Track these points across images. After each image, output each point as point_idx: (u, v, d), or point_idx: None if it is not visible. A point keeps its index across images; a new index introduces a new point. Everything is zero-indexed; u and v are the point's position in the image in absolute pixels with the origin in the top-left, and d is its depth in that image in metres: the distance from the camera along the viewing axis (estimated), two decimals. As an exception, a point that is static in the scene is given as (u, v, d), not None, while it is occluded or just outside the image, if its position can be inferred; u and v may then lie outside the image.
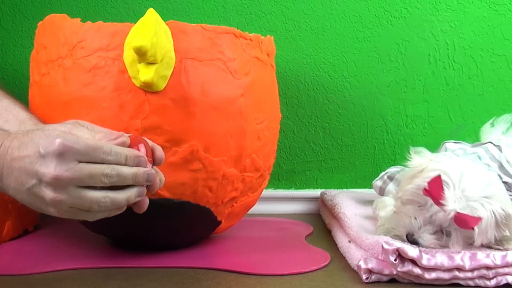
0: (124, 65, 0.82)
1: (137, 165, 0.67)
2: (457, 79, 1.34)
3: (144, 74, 0.80)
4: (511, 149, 1.00)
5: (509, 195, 0.93)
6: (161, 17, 0.83)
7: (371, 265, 0.81)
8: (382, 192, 1.09)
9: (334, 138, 1.35)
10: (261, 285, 0.80)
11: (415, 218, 0.84)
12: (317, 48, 1.33)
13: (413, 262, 0.79)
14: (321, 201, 1.28)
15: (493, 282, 0.80)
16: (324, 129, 1.35)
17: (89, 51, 0.84)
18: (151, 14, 0.81)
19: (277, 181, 1.35)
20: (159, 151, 0.74)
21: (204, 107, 0.85)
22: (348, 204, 1.10)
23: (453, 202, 0.80)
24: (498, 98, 1.34)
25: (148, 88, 0.82)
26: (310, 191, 1.35)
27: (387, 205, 0.99)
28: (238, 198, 0.95)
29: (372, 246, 0.84)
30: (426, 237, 0.83)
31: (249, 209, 1.02)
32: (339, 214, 1.06)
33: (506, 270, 0.80)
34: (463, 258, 0.80)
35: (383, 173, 1.12)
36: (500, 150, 0.99)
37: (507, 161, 0.97)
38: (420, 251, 0.79)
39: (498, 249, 0.84)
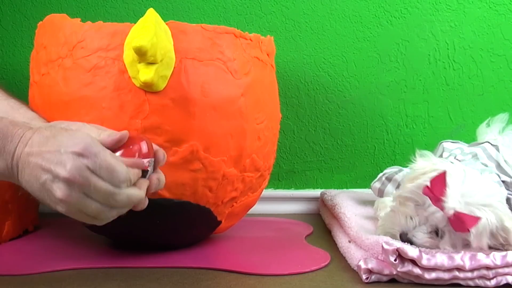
0: (124, 65, 0.82)
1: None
2: (457, 79, 1.34)
3: (144, 74, 0.80)
4: (508, 149, 1.00)
5: (508, 194, 0.93)
6: (161, 17, 0.83)
7: (371, 265, 0.81)
8: (381, 193, 1.09)
9: (334, 138, 1.35)
10: (261, 285, 0.80)
11: (411, 218, 0.84)
12: (317, 48, 1.33)
13: (413, 262, 0.79)
14: (321, 201, 1.28)
15: (493, 282, 0.80)
16: (324, 129, 1.35)
17: (89, 51, 0.84)
18: (151, 14, 0.81)
19: (277, 181, 1.35)
20: (161, 153, 0.74)
21: (204, 107, 0.85)
22: (348, 204, 1.10)
23: (454, 201, 0.80)
24: (498, 98, 1.34)
25: (148, 88, 0.82)
26: (310, 191, 1.35)
27: (387, 206, 0.99)
28: (238, 198, 0.95)
29: (372, 246, 0.84)
30: (420, 236, 0.83)
31: (249, 209, 1.02)
32: (339, 214, 1.06)
33: (506, 270, 0.80)
34: (463, 258, 0.80)
35: (380, 174, 1.12)
36: (498, 149, 0.99)
37: (505, 161, 0.97)
38: (420, 251, 0.79)
39: (498, 249, 0.84)
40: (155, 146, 0.74)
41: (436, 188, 0.81)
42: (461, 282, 0.80)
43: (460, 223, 0.79)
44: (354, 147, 1.35)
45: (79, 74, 0.84)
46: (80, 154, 0.61)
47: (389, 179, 1.09)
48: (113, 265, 0.87)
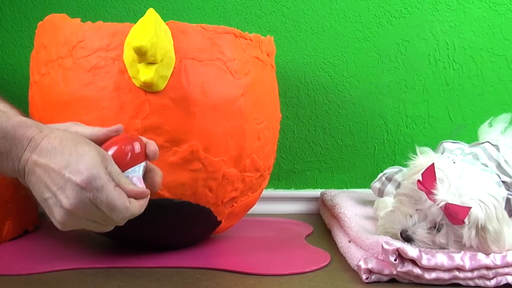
0: (124, 65, 0.82)
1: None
2: (457, 79, 1.34)
3: (144, 74, 0.80)
4: (509, 149, 1.00)
5: (508, 194, 0.93)
6: (161, 17, 0.83)
7: (371, 265, 0.81)
8: (381, 193, 1.09)
9: (334, 138, 1.35)
10: (261, 285, 0.80)
11: (411, 216, 0.84)
12: (317, 48, 1.33)
13: (413, 262, 0.79)
14: (321, 201, 1.28)
15: (493, 282, 0.80)
16: (324, 129, 1.35)
17: (89, 51, 0.84)
18: (151, 14, 0.81)
19: (277, 181, 1.35)
20: (153, 145, 0.72)
21: (204, 107, 0.85)
22: (348, 204, 1.10)
23: (445, 193, 0.81)
24: (498, 98, 1.34)
25: (148, 88, 0.82)
26: (310, 191, 1.35)
27: (388, 205, 0.99)
28: (238, 198, 0.95)
29: (372, 246, 0.84)
30: (419, 232, 0.83)
31: (249, 209, 1.02)
32: (339, 214, 1.06)
33: (506, 270, 0.80)
34: (463, 258, 0.80)
35: (380, 174, 1.12)
36: (498, 149, 0.99)
37: (505, 161, 0.97)
38: (420, 251, 0.79)
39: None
40: (145, 139, 0.73)
41: (427, 181, 0.82)
42: (461, 282, 0.80)
43: (453, 215, 0.80)
44: (354, 147, 1.35)
45: (79, 74, 0.84)
46: (83, 188, 0.61)
47: (389, 179, 1.09)
48: (113, 265, 0.87)
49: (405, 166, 1.02)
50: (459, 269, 0.80)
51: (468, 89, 1.34)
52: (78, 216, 0.63)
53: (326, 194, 1.25)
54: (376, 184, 1.11)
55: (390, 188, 1.07)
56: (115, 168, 0.65)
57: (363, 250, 0.87)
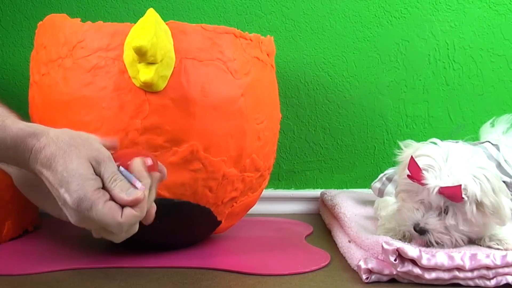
0: (124, 65, 0.82)
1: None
2: (457, 79, 1.34)
3: (144, 74, 0.80)
4: (509, 149, 1.00)
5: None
6: (161, 17, 0.83)
7: (371, 265, 0.81)
8: (381, 193, 1.09)
9: (334, 138, 1.35)
10: (261, 285, 0.80)
11: (417, 209, 0.85)
12: (317, 48, 1.33)
13: (413, 262, 0.79)
14: (321, 201, 1.28)
15: (493, 282, 0.80)
16: (324, 129, 1.35)
17: (89, 51, 0.84)
18: (151, 14, 0.81)
19: (277, 181, 1.35)
20: (161, 167, 0.72)
21: (204, 107, 0.85)
22: (348, 204, 1.10)
23: (434, 179, 0.82)
24: (498, 98, 1.34)
25: (148, 88, 0.82)
26: (310, 191, 1.35)
27: (389, 205, 0.99)
28: (238, 198, 0.95)
29: (372, 246, 0.84)
30: (431, 222, 0.84)
31: (249, 209, 1.02)
32: (339, 214, 1.06)
33: (506, 270, 0.80)
34: (463, 258, 0.80)
35: (381, 174, 1.12)
36: (498, 149, 0.99)
37: (505, 160, 0.97)
38: (420, 251, 0.79)
39: (498, 249, 0.84)
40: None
41: (413, 172, 0.84)
42: (461, 282, 0.80)
43: (449, 196, 0.81)
44: (354, 147, 1.35)
45: (79, 74, 0.84)
46: (76, 209, 0.62)
47: (389, 179, 1.09)
48: (113, 265, 0.87)
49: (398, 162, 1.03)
50: (459, 269, 0.80)
51: (468, 89, 1.34)
52: (88, 225, 0.64)
53: (326, 194, 1.25)
54: (377, 184, 1.11)
55: (390, 188, 1.07)
56: (110, 170, 0.64)
57: (363, 250, 0.87)
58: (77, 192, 0.62)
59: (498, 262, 0.80)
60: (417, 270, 0.79)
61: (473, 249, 0.83)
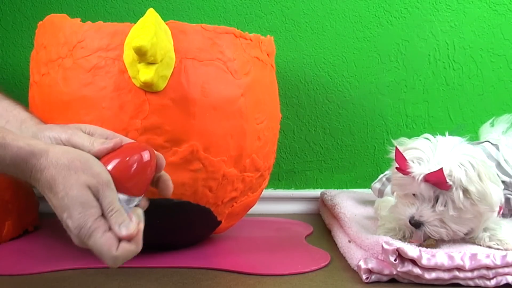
0: (124, 65, 0.82)
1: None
2: (457, 79, 1.34)
3: (144, 74, 0.80)
4: (509, 149, 1.00)
5: (508, 194, 0.93)
6: (161, 17, 0.83)
7: (371, 265, 0.81)
8: (381, 194, 1.09)
9: (334, 138, 1.35)
10: (261, 285, 0.80)
11: (412, 204, 0.86)
12: (317, 48, 1.33)
13: (413, 262, 0.79)
14: (321, 201, 1.28)
15: (493, 282, 0.80)
16: (324, 129, 1.35)
17: (89, 51, 0.84)
18: (151, 14, 0.81)
19: (277, 181, 1.35)
20: (161, 159, 0.71)
21: (204, 107, 0.85)
22: (348, 204, 1.10)
23: (419, 166, 0.83)
24: (498, 98, 1.34)
25: (148, 88, 0.82)
26: (310, 191, 1.35)
27: (389, 205, 0.99)
28: (238, 198, 0.95)
29: (372, 246, 0.84)
30: (426, 214, 0.85)
31: (249, 209, 1.02)
32: (339, 214, 1.06)
33: (506, 270, 0.80)
34: (463, 258, 0.80)
35: (381, 175, 1.12)
36: (498, 149, 0.99)
37: (505, 160, 0.97)
38: (420, 251, 0.79)
39: (498, 249, 0.84)
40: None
41: (400, 164, 0.85)
42: (461, 282, 0.80)
43: (436, 182, 0.82)
44: (354, 147, 1.35)
45: (79, 74, 0.84)
46: (77, 235, 0.64)
47: (389, 179, 1.09)
48: (113, 265, 0.87)
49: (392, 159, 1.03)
50: (459, 269, 0.80)
51: (468, 89, 1.34)
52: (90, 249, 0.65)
53: (326, 194, 1.25)
54: (377, 185, 1.11)
55: (390, 188, 1.07)
56: (107, 200, 0.63)
57: (363, 250, 0.87)
58: (79, 220, 0.63)
59: (498, 262, 0.80)
60: (417, 270, 0.79)
61: (473, 249, 0.83)
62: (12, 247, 0.97)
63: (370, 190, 1.14)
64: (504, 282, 0.81)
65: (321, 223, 1.20)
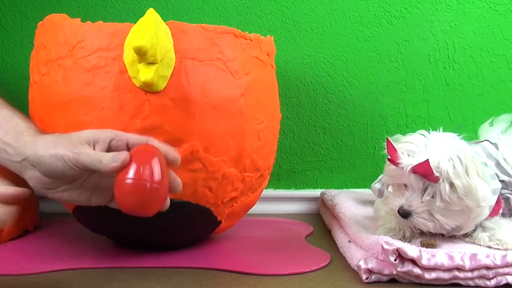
0: (124, 65, 0.82)
1: None
2: (457, 79, 1.34)
3: (144, 74, 0.80)
4: (509, 148, 1.00)
5: (508, 193, 0.93)
6: (161, 17, 0.83)
7: (371, 265, 0.81)
8: (381, 194, 1.09)
9: (334, 138, 1.35)
10: (261, 285, 0.80)
11: (403, 194, 0.87)
12: (317, 48, 1.33)
13: (413, 262, 0.80)
14: (321, 201, 1.28)
15: (493, 282, 0.80)
16: (324, 129, 1.35)
17: (89, 51, 0.84)
18: (151, 14, 0.81)
19: (277, 181, 1.35)
20: (173, 154, 0.71)
21: (204, 107, 0.85)
22: (348, 204, 1.10)
23: (407, 157, 0.85)
24: (498, 98, 1.34)
25: (148, 88, 0.82)
26: (310, 191, 1.35)
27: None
28: (238, 198, 0.95)
29: (372, 246, 0.84)
30: (414, 204, 0.86)
31: (249, 209, 1.02)
32: (339, 214, 1.06)
33: (506, 270, 0.80)
34: (463, 258, 0.80)
35: (381, 175, 1.12)
36: (497, 148, 0.99)
37: (504, 159, 0.97)
38: (420, 251, 0.79)
39: (498, 249, 0.84)
40: (165, 148, 0.70)
41: (390, 153, 0.86)
42: (461, 282, 0.80)
43: (423, 173, 0.83)
44: (354, 147, 1.35)
45: (79, 74, 0.84)
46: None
47: (389, 179, 1.09)
48: (113, 265, 0.87)
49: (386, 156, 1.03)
50: (459, 269, 0.80)
51: (468, 89, 1.34)
52: None
53: (326, 194, 1.25)
54: (377, 185, 1.11)
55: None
56: None
57: (363, 250, 0.87)
58: (76, 139, 0.70)
59: (498, 262, 0.80)
60: (417, 270, 0.79)
61: (473, 249, 0.84)
62: (12, 247, 0.97)
63: (370, 190, 1.14)
64: (504, 282, 0.81)
65: (321, 223, 1.20)
